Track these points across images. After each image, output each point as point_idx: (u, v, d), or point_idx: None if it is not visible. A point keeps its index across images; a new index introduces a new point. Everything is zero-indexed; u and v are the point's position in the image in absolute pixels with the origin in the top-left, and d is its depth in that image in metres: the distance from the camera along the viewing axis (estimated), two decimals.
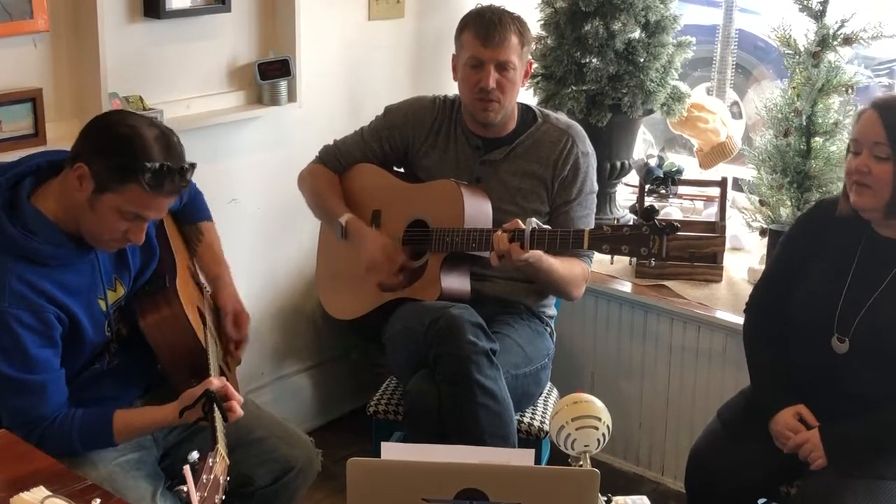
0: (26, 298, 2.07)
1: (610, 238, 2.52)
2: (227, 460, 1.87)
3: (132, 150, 2.05)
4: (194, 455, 1.76)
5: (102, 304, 2.24)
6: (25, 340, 2.07)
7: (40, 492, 1.76)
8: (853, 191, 2.38)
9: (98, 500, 1.77)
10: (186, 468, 1.66)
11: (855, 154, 2.37)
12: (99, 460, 2.21)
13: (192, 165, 2.14)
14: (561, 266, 2.74)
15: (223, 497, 1.80)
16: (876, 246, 2.43)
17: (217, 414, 2.04)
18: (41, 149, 2.46)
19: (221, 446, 1.90)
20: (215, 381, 2.11)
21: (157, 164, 2.05)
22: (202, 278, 2.61)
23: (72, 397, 2.18)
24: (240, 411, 2.13)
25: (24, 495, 1.75)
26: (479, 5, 2.90)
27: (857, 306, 2.42)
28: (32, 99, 2.68)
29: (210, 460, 1.78)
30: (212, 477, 1.76)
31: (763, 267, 2.99)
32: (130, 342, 2.34)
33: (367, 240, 2.83)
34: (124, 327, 2.33)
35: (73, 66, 2.78)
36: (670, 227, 2.47)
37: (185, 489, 1.64)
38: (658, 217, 2.51)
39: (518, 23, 2.80)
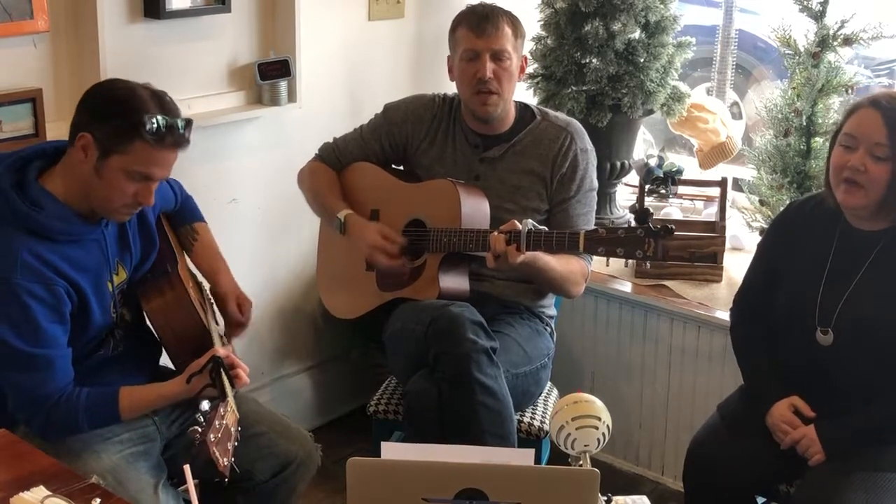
0: (37, 271, 2.09)
1: (605, 240, 2.53)
2: (237, 414, 1.90)
3: (131, 109, 2.09)
4: (205, 405, 1.80)
5: (109, 285, 2.26)
6: (36, 313, 2.09)
7: (40, 492, 1.77)
8: (842, 189, 2.37)
9: (98, 500, 1.77)
10: (187, 467, 1.67)
11: (847, 149, 2.36)
12: (103, 451, 2.22)
13: (190, 121, 2.17)
14: (558, 264, 2.74)
15: (235, 444, 1.84)
16: (850, 237, 2.45)
17: (224, 378, 2.10)
18: (48, 141, 2.50)
19: (231, 401, 1.93)
20: (221, 350, 2.17)
21: (158, 117, 2.09)
22: (200, 277, 2.62)
23: (77, 384, 2.19)
24: (246, 378, 2.19)
25: (24, 495, 1.75)
26: (471, 5, 2.92)
27: (837, 297, 2.44)
28: (32, 99, 2.68)
29: (221, 409, 1.80)
30: (224, 423, 1.79)
31: None
32: (134, 329, 2.37)
33: (367, 229, 2.84)
34: (128, 312, 2.35)
35: (73, 66, 2.78)
36: (665, 229, 2.48)
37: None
38: (654, 218, 2.52)
39: (509, 15, 2.84)
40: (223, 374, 2.12)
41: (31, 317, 2.09)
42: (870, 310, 2.40)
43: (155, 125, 2.09)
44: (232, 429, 1.86)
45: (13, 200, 2.11)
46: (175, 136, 2.13)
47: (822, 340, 2.45)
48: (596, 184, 2.94)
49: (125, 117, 2.09)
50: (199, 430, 1.76)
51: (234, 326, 2.55)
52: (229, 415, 1.86)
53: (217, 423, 1.78)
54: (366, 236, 2.82)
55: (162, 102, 2.15)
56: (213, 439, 1.75)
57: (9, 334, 2.08)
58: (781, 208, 3.25)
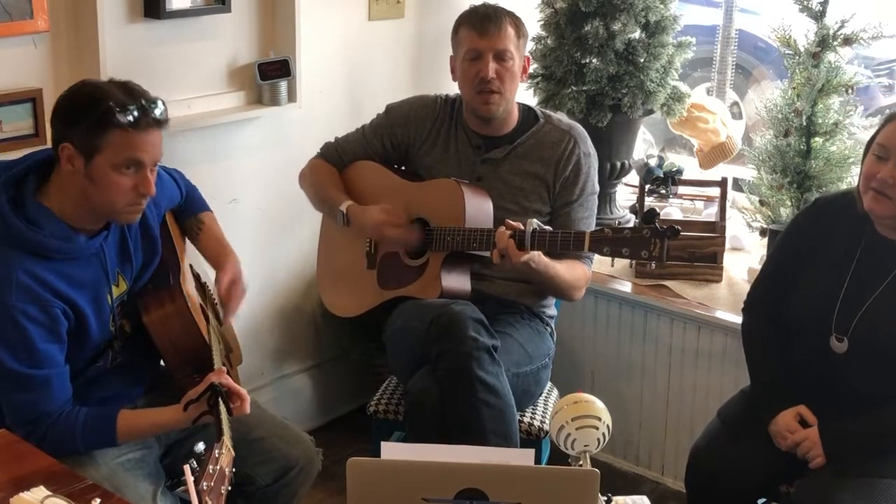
0: (33, 292, 2.07)
1: (611, 240, 2.53)
2: (233, 452, 1.88)
3: (96, 102, 2.06)
4: (200, 446, 1.78)
5: (109, 298, 2.24)
6: (32, 334, 2.08)
7: (40, 492, 1.76)
8: (869, 196, 2.34)
9: (98, 500, 1.77)
10: (186, 467, 1.66)
11: (879, 159, 2.33)
12: (100, 458, 2.21)
13: (160, 99, 2.13)
14: (561, 268, 2.74)
15: (229, 488, 1.81)
16: (876, 246, 2.42)
17: (222, 407, 2.06)
18: (41, 149, 2.45)
19: (227, 438, 1.92)
20: (214, 377, 2.13)
21: (123, 101, 2.06)
22: (205, 278, 2.61)
23: (75, 396, 2.18)
24: (246, 409, 2.15)
25: (24, 495, 1.75)
26: (473, 5, 2.92)
27: (856, 306, 2.41)
28: (32, 99, 2.68)
29: (216, 451, 1.79)
30: (218, 468, 1.76)
31: None
32: (133, 340, 2.34)
33: (369, 210, 2.85)
34: (128, 324, 2.33)
35: (73, 66, 2.78)
36: (671, 230, 2.48)
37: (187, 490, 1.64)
38: (659, 219, 2.51)
39: (512, 16, 2.84)
40: (221, 403, 2.09)
41: (27, 338, 2.07)
42: (890, 323, 2.37)
43: (122, 109, 2.05)
44: (226, 470, 1.82)
45: (10, 219, 2.08)
46: (149, 116, 2.09)
47: (836, 347, 2.43)
48: (597, 187, 2.94)
49: (94, 111, 2.06)
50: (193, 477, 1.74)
51: (224, 300, 2.50)
52: (224, 456, 1.83)
53: (211, 468, 1.74)
54: (370, 215, 2.84)
55: (128, 88, 2.11)
56: (205, 488, 1.72)
57: (5, 356, 2.07)
58: (782, 208, 3.26)
